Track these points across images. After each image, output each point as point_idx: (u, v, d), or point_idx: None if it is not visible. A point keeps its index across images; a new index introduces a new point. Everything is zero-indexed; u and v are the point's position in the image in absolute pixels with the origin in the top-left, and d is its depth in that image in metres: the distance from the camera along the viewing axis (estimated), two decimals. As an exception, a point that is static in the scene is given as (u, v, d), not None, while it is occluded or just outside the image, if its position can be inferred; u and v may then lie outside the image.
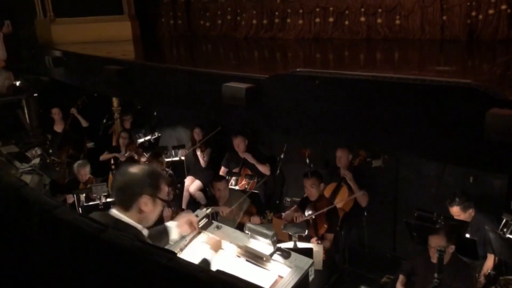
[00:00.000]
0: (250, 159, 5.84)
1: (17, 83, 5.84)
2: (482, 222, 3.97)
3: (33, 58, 6.93)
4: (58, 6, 6.96)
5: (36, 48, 6.97)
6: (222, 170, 6.10)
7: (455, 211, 4.01)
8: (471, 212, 4.03)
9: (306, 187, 4.66)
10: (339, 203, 4.88)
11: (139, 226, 2.12)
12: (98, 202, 4.80)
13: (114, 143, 7.26)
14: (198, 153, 6.57)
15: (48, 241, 1.66)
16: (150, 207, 2.12)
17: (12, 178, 2.08)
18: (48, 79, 6.73)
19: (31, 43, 7.21)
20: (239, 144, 5.95)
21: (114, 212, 2.11)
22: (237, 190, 5.32)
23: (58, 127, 7.03)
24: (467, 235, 3.74)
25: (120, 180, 2.13)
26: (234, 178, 5.63)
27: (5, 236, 1.90)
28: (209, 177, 6.45)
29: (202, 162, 6.55)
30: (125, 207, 2.10)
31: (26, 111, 6.22)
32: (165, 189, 2.21)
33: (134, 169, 2.14)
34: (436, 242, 3.50)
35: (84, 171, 5.70)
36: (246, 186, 5.46)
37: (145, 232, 2.17)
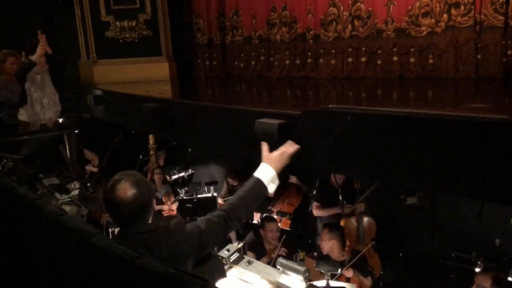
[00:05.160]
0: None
1: (60, 120, 6.14)
2: None
3: (76, 97, 7.26)
4: (100, 49, 7.35)
5: (79, 88, 7.32)
6: (256, 218, 6.08)
7: None
8: None
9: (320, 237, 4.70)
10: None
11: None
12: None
13: (148, 182, 7.40)
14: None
15: (85, 267, 1.71)
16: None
17: (53, 207, 2.17)
18: (89, 117, 7.02)
19: (75, 83, 7.58)
20: None
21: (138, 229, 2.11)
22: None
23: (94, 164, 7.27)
24: (510, 278, 3.57)
25: (127, 201, 2.03)
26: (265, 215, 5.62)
27: (45, 261, 1.96)
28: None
29: None
30: (141, 221, 2.13)
31: (67, 146, 6.48)
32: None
33: (127, 185, 2.05)
34: (480, 280, 3.36)
35: None
36: (279, 224, 5.43)
37: None
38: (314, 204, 5.53)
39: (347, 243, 4.80)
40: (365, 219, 5.12)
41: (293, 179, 6.37)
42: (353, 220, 5.09)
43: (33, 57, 5.59)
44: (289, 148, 2.58)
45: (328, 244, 4.56)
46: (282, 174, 6.25)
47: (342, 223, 5.13)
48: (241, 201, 2.31)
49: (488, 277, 3.43)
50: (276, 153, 2.52)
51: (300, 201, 6.05)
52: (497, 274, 3.46)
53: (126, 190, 2.03)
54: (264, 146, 2.53)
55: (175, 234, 2.07)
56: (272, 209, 5.90)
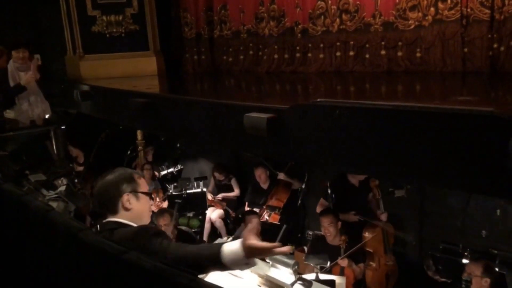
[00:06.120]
0: None
1: (47, 116, 6.09)
2: None
3: (62, 93, 7.18)
4: (87, 44, 7.25)
5: (65, 83, 7.24)
6: (247, 206, 6.10)
7: None
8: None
9: (323, 226, 4.66)
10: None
11: (134, 225, 2.15)
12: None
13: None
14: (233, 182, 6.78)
15: (73, 262, 1.70)
16: (135, 204, 2.18)
17: (40, 203, 2.15)
18: (76, 112, 6.96)
19: (61, 78, 7.49)
20: (260, 175, 6.03)
21: (109, 219, 2.17)
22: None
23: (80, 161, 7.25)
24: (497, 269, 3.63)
25: (97, 190, 2.26)
26: (256, 209, 5.65)
27: (32, 258, 1.94)
28: (233, 204, 6.58)
29: (237, 192, 6.73)
30: (113, 211, 2.17)
31: (53, 142, 6.43)
32: (143, 183, 2.27)
33: (106, 177, 2.26)
34: (471, 269, 3.42)
35: None
36: (267, 218, 5.44)
37: None
38: (321, 201, 5.35)
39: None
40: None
41: (281, 176, 6.38)
42: (377, 231, 4.80)
43: (22, 82, 5.57)
44: (273, 251, 1.89)
45: (336, 228, 4.62)
46: (271, 172, 6.34)
47: (365, 235, 4.79)
48: (192, 260, 1.94)
49: (479, 266, 3.52)
50: (259, 245, 1.86)
51: (288, 196, 6.07)
52: (488, 263, 3.55)
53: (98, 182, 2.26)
54: (253, 225, 1.92)
55: (138, 237, 1.99)
56: (263, 206, 5.93)
